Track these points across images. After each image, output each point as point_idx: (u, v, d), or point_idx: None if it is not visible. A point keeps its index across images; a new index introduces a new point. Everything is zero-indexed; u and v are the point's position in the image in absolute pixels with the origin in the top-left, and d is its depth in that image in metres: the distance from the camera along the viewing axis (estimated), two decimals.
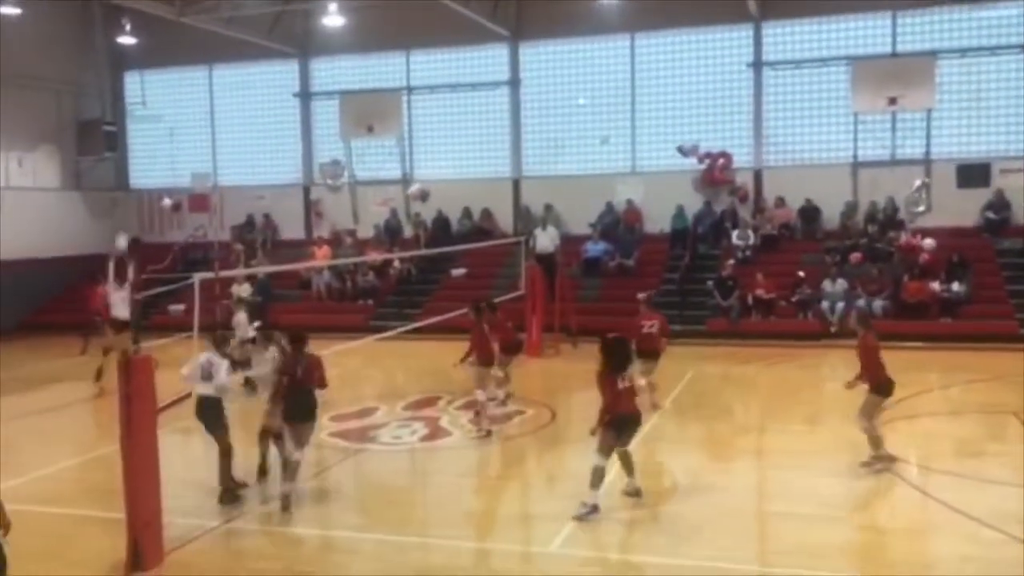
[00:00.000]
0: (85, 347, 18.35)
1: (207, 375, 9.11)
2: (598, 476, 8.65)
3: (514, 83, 24.61)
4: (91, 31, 27.06)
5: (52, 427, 13.43)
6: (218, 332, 9.82)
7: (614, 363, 8.89)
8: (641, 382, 12.33)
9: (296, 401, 9.02)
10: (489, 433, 11.98)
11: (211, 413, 9.19)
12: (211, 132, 27.40)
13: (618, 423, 8.79)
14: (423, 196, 24.33)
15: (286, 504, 8.96)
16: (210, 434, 9.28)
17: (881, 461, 9.79)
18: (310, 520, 9.09)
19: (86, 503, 9.13)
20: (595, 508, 8.56)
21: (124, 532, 7.53)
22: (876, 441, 9.86)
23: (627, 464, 9.08)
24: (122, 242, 22.81)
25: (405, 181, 25.19)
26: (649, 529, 8.55)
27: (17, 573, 5.75)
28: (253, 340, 13.99)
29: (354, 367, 17.16)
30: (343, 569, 7.78)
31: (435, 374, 16.04)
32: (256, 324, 14.74)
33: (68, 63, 26.09)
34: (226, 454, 9.27)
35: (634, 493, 9.07)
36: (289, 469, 9.07)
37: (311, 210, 26.41)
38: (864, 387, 9.92)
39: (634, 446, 9.24)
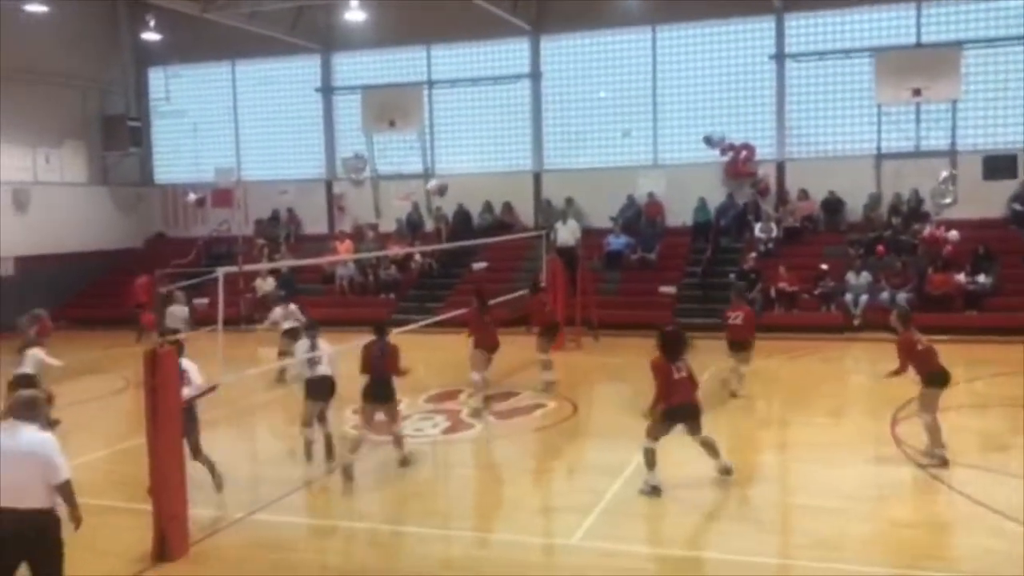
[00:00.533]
0: (139, 337, 18.58)
1: (320, 359, 10.30)
2: (650, 458, 8.97)
3: (535, 76, 24.59)
4: (116, 28, 27.31)
5: (79, 419, 13.59)
6: (308, 319, 11.71)
7: (668, 352, 9.07)
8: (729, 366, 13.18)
9: (375, 385, 9.86)
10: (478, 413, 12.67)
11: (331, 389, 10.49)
12: (234, 127, 27.58)
13: (672, 414, 8.98)
14: (441, 191, 24.39)
15: (349, 474, 9.74)
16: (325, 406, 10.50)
17: (935, 458, 9.66)
18: (333, 511, 9.17)
19: (114, 494, 9.25)
20: (656, 488, 8.86)
21: (151, 523, 7.63)
22: (936, 435, 9.74)
23: (710, 450, 9.24)
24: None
25: (426, 175, 25.24)
26: (671, 521, 8.56)
27: None
28: (287, 332, 14.59)
29: None
30: (365, 560, 7.85)
31: (457, 367, 16.08)
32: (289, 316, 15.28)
33: (94, 60, 26.34)
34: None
35: (725, 472, 9.23)
36: (353, 445, 9.94)
37: (333, 204, 26.52)
38: (913, 381, 9.94)
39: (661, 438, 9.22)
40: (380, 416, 10.12)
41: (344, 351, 11.02)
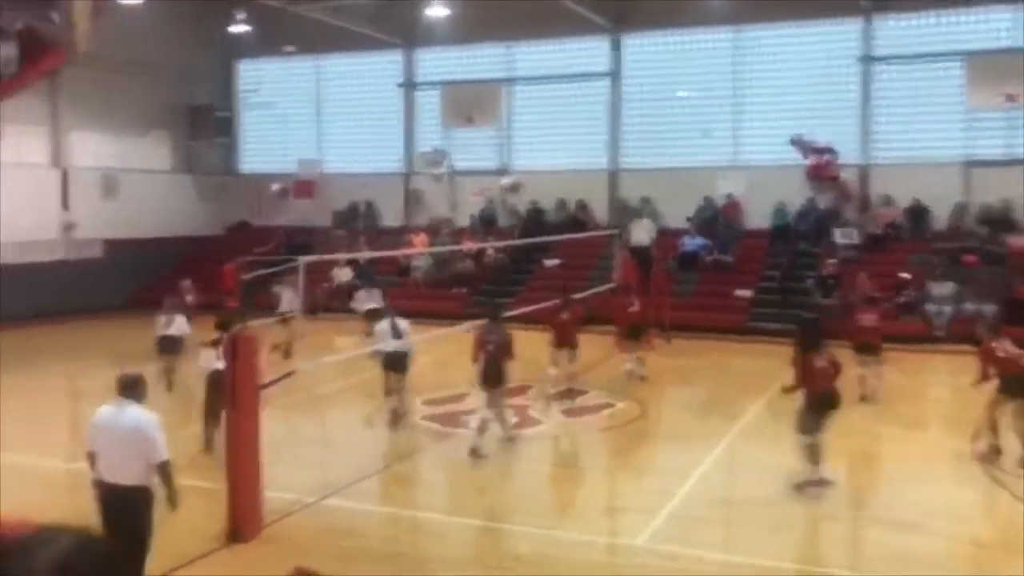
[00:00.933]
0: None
1: (397, 334, 11.47)
2: (813, 452, 8.95)
3: (614, 75, 24.48)
4: (205, 21, 28.00)
5: (161, 399, 14.01)
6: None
7: (805, 341, 9.21)
8: (860, 372, 12.94)
9: (490, 369, 10.41)
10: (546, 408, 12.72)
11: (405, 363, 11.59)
12: (317, 120, 28.08)
13: (819, 402, 8.99)
14: (515, 188, 24.51)
15: (477, 452, 10.27)
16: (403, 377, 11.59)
17: None
18: (401, 501, 9.30)
19: (191, 474, 9.53)
20: (822, 481, 8.84)
21: (225, 503, 7.85)
22: None
23: (817, 454, 9.11)
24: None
25: (502, 172, 25.35)
26: (740, 528, 8.47)
27: None
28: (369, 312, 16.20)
29: (448, 353, 17.38)
30: (431, 551, 7.95)
31: (526, 363, 16.11)
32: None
33: (182, 51, 27.07)
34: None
35: (819, 484, 9.02)
36: (480, 426, 10.48)
37: (411, 198, 26.77)
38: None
39: (731, 442, 9.14)
40: (494, 398, 10.60)
41: (415, 343, 11.21)
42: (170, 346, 13.69)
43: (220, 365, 8.97)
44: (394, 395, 11.72)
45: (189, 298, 16.14)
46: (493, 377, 10.53)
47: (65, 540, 1.36)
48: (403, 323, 11.78)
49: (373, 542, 7.98)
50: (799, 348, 9.16)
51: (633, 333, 14.88)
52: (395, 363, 11.60)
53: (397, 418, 11.69)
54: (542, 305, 15.98)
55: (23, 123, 22.96)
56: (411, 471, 10.03)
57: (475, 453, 10.29)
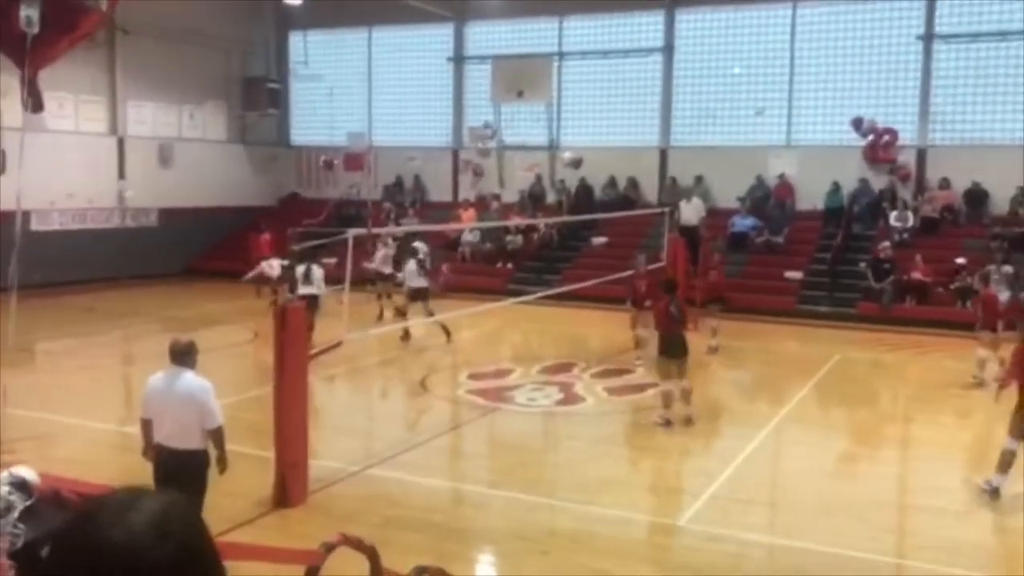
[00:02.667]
0: (259, 291, 19.29)
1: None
2: (1006, 459, 8.24)
3: (668, 50, 24.16)
4: None
5: (210, 366, 14.28)
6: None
7: None
8: (981, 353, 12.58)
9: (671, 341, 10.56)
10: (669, 423, 10.74)
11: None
12: (368, 93, 28.16)
13: None
14: (576, 164, 24.32)
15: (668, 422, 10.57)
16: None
17: None
18: (444, 472, 9.38)
19: (240, 440, 9.70)
20: (996, 491, 8.27)
21: (272, 470, 7.99)
22: None
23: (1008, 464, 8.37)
24: None
25: (552, 147, 25.24)
26: (783, 512, 8.41)
27: None
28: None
29: (493, 328, 17.46)
30: (472, 522, 8.02)
31: (572, 340, 16.13)
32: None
33: (238, 22, 27.31)
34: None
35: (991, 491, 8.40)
36: (667, 398, 10.59)
37: (460, 172, 26.77)
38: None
39: (776, 426, 9.06)
40: (674, 369, 10.64)
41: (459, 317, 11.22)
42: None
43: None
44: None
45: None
46: (677, 349, 10.63)
47: (150, 501, 1.37)
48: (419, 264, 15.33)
49: (416, 512, 8.06)
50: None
51: (712, 303, 15.36)
52: (416, 295, 15.21)
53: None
54: (589, 283, 15.98)
55: (82, 93, 23.38)
56: (454, 444, 10.10)
57: (667, 423, 10.52)
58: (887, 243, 19.95)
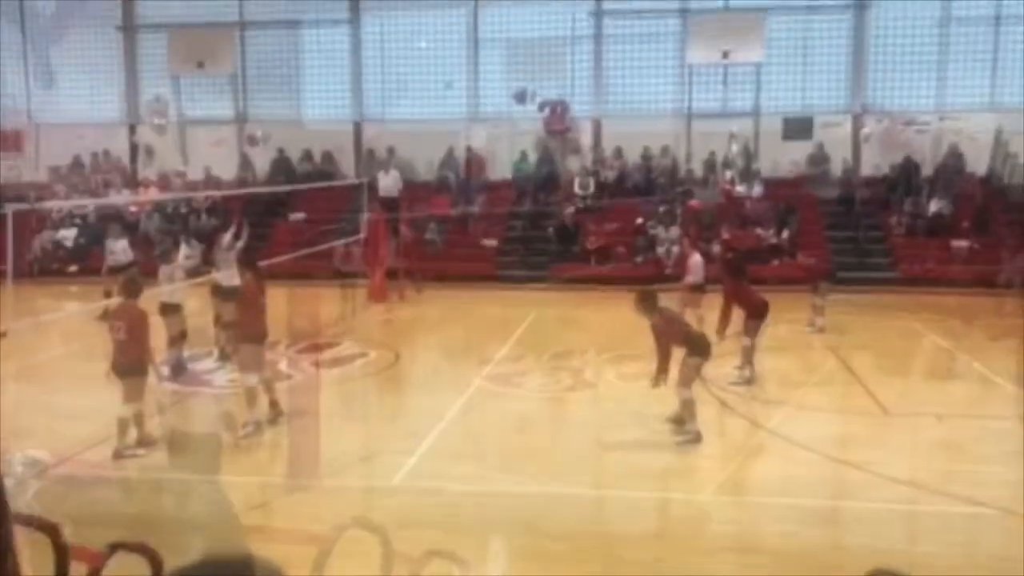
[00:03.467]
0: None
1: None
2: (689, 409, 8.85)
3: (354, 23, 23.85)
4: None
5: None
6: None
7: None
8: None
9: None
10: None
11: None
12: (24, 65, 25.20)
13: None
14: (254, 140, 23.52)
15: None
16: None
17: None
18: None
19: None
20: (698, 435, 8.75)
21: None
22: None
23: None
24: None
25: (239, 120, 24.22)
26: (493, 459, 8.65)
27: None
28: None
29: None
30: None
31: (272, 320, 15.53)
32: None
33: None
34: None
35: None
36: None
37: (140, 150, 24.79)
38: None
39: (479, 384, 9.20)
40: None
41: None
42: None
43: None
44: None
45: None
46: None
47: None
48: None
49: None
50: None
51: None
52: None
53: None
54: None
55: None
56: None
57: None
58: (571, 209, 21.22)
